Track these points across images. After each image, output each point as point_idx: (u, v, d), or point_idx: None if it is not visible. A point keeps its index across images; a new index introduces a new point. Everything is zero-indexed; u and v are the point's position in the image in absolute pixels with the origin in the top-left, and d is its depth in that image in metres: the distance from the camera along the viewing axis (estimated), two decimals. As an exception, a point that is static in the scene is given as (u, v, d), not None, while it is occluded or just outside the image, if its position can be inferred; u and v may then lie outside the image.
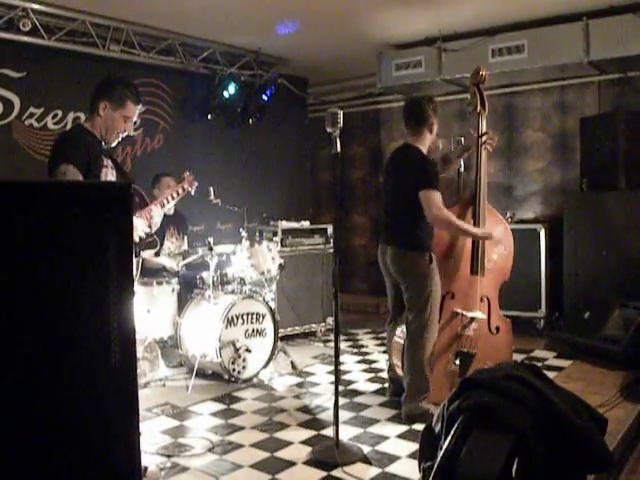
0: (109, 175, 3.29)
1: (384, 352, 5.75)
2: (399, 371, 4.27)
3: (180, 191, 3.98)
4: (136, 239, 3.46)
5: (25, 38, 5.49)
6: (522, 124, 7.23)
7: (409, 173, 4.07)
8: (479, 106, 4.27)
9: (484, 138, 4.23)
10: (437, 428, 2.73)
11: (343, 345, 6.05)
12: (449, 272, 4.19)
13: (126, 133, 3.42)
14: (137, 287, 4.62)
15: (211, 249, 5.01)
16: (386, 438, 3.76)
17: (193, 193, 4.19)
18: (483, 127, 4.26)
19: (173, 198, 3.92)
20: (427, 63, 6.71)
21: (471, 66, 6.20)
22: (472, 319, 4.18)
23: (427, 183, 3.95)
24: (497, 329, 4.31)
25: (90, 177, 3.11)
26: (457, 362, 4.16)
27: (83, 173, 3.10)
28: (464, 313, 4.16)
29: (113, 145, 3.45)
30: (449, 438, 2.51)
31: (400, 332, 4.31)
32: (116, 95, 3.31)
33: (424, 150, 4.14)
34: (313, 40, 6.69)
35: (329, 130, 3.50)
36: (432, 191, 3.92)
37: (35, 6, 5.39)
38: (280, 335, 5.30)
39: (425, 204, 3.92)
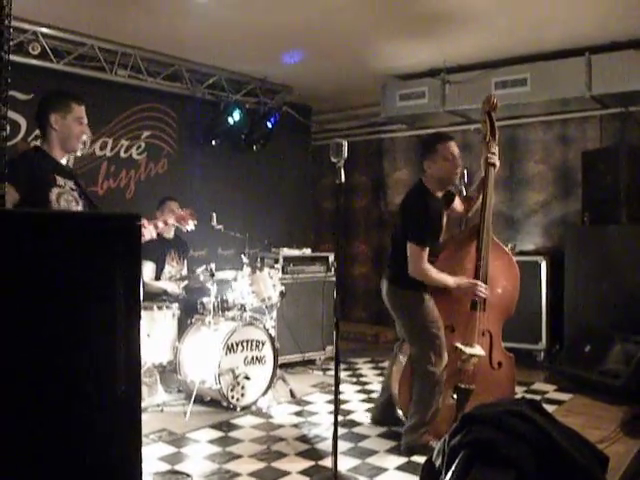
0: (65, 197, 3.23)
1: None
2: (395, 390, 4.23)
3: (160, 225, 3.83)
4: None
5: (34, 61, 5.55)
6: (524, 156, 7.27)
7: (404, 217, 4.06)
8: (489, 135, 4.18)
9: (489, 156, 4.14)
10: (438, 462, 2.71)
11: (342, 374, 6.00)
12: (450, 305, 4.07)
13: (86, 137, 3.41)
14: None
15: (212, 275, 5.01)
16: (385, 470, 3.73)
17: (187, 229, 4.10)
18: (493, 150, 4.16)
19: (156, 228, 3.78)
20: (431, 94, 6.78)
21: (475, 98, 6.31)
22: (471, 355, 4.07)
23: (415, 236, 3.89)
24: (499, 364, 4.21)
25: (34, 196, 3.09)
26: (455, 396, 4.08)
27: (22, 192, 3.05)
28: (463, 349, 4.03)
29: (79, 153, 3.46)
30: (450, 473, 2.49)
31: (402, 355, 4.27)
32: (60, 104, 3.33)
33: (431, 187, 4.04)
34: (318, 70, 6.77)
35: (333, 160, 3.51)
36: (417, 247, 3.87)
37: (45, 30, 5.47)
38: (279, 363, 5.28)
39: (409, 257, 3.89)
